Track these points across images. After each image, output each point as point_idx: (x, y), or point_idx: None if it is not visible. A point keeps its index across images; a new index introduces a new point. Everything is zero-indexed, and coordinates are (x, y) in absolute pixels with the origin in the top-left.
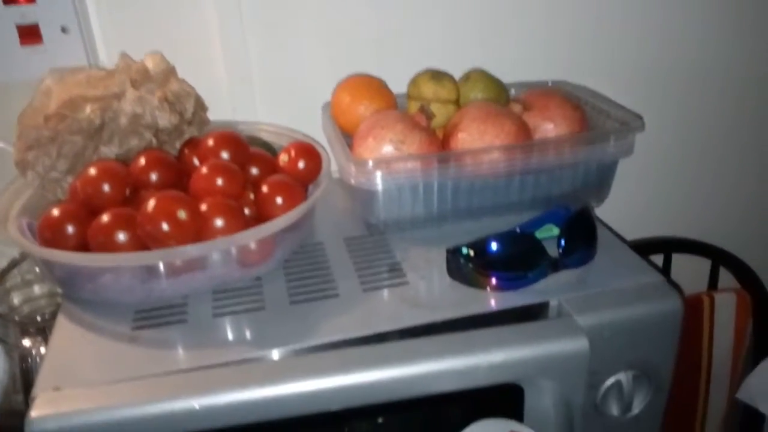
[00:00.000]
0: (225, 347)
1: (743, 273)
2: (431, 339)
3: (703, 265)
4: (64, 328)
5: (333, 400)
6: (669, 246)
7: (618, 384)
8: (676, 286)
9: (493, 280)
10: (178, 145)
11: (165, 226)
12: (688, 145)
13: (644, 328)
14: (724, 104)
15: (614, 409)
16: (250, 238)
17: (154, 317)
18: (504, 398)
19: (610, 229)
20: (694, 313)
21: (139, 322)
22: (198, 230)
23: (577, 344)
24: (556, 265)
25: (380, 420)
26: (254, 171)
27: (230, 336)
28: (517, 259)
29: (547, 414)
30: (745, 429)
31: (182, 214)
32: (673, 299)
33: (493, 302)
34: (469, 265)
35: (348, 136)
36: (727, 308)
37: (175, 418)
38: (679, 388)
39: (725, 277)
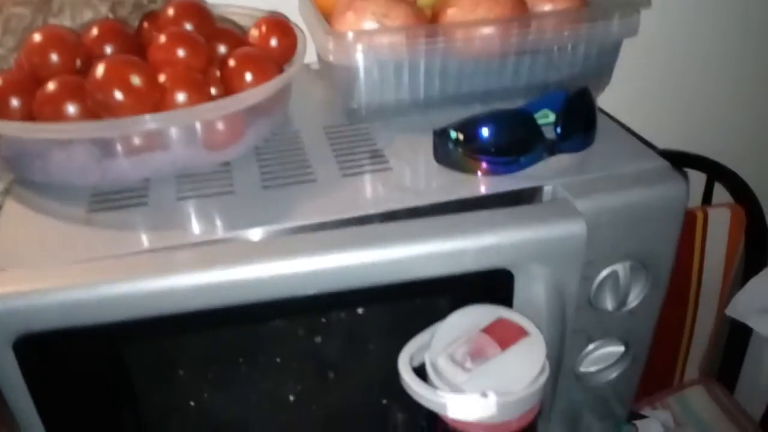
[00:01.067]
0: (190, 229)
1: (738, 188)
2: (416, 221)
3: (699, 179)
4: (11, 211)
5: (309, 284)
6: (664, 158)
7: (614, 275)
8: (681, 172)
9: (484, 165)
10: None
11: (118, 95)
12: (690, 52)
13: (645, 215)
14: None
15: (609, 303)
16: (216, 111)
17: (112, 200)
18: (493, 285)
19: (609, 116)
20: (686, 228)
21: (95, 204)
22: (156, 102)
23: (574, 228)
24: (552, 149)
25: (361, 311)
26: (221, 49)
27: (196, 218)
28: (510, 142)
29: (538, 303)
30: (732, 344)
31: (136, 80)
32: (678, 183)
33: (483, 186)
34: (458, 149)
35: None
36: (720, 224)
37: (135, 301)
38: (668, 302)
39: (720, 194)
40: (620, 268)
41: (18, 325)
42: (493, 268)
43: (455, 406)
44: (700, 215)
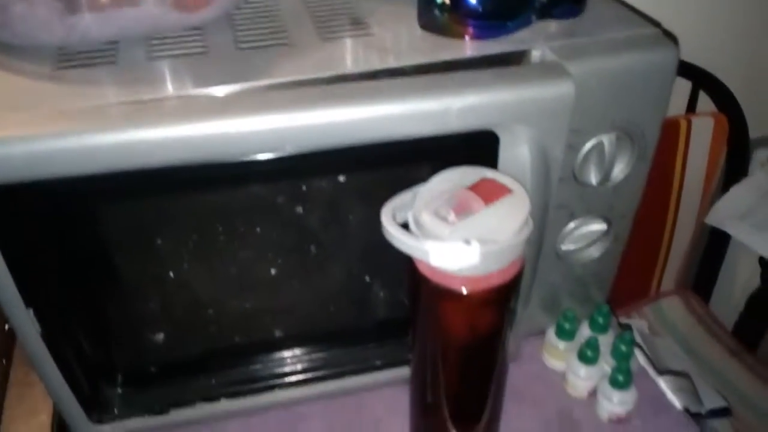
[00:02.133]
0: (161, 85)
1: (723, 97)
2: (398, 80)
3: (683, 87)
4: None
5: (285, 140)
6: None
7: (599, 147)
8: (671, 37)
9: (470, 29)
10: None
11: None
12: None
13: (634, 81)
14: None
15: (593, 177)
16: None
17: (79, 59)
18: (478, 148)
19: None
20: (669, 136)
21: (62, 63)
22: None
23: (562, 88)
24: (541, 13)
25: (342, 178)
26: None
27: (168, 75)
28: (498, 5)
29: (522, 167)
30: (709, 254)
31: None
32: (668, 50)
33: (469, 50)
34: (443, 13)
35: None
36: (703, 132)
37: (104, 153)
38: (647, 211)
39: (704, 103)
40: (606, 139)
41: None
42: (478, 129)
43: (438, 253)
44: (683, 123)
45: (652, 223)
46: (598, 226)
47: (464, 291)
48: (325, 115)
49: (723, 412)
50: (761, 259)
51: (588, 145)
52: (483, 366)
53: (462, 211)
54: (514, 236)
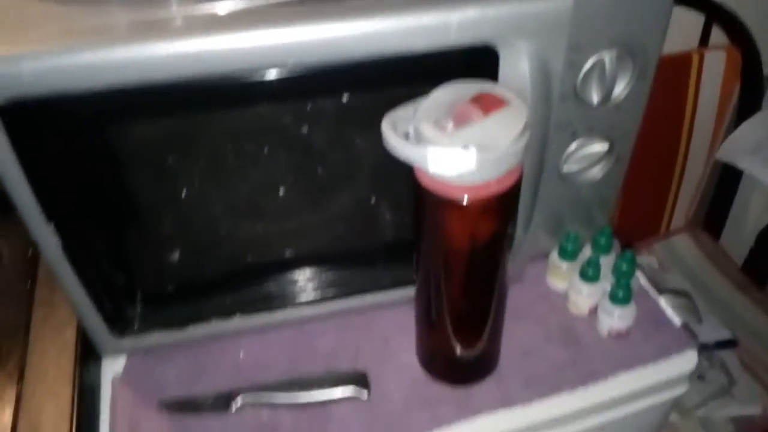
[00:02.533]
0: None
1: (736, 30)
2: None
3: (696, 20)
4: None
5: (289, 53)
6: None
7: (600, 64)
8: None
9: None
10: None
11: None
12: None
13: None
14: None
15: (594, 95)
16: None
17: None
18: (478, 64)
19: None
20: (681, 70)
21: None
22: None
23: (560, 1)
24: None
25: (345, 98)
26: None
27: None
28: None
29: (523, 82)
30: (720, 191)
31: None
32: None
33: None
34: None
35: None
36: (715, 66)
37: (111, 68)
38: (658, 147)
39: (717, 37)
40: (607, 56)
41: (2, 90)
42: (477, 43)
43: (436, 159)
44: (695, 57)
45: (663, 160)
46: (600, 147)
47: (464, 200)
48: (326, 29)
49: (729, 344)
50: None
51: (589, 63)
52: (484, 279)
53: (461, 121)
54: (511, 144)
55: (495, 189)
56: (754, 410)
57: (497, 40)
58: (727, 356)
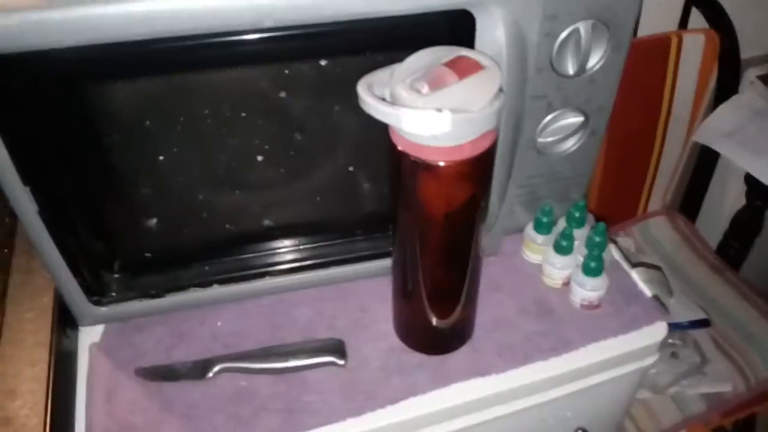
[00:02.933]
0: None
1: (715, 14)
2: None
3: (675, 3)
4: None
5: (265, 13)
6: None
7: (576, 34)
8: None
9: None
10: None
11: None
12: None
13: None
14: None
15: (570, 66)
16: None
17: None
18: (455, 30)
19: None
20: (659, 53)
21: None
22: None
23: None
24: None
25: (324, 62)
26: None
27: None
28: None
29: (499, 49)
30: (697, 174)
31: None
32: None
33: None
34: None
35: None
36: (694, 49)
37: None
38: (637, 129)
39: (696, 19)
40: (582, 26)
41: None
42: (455, 7)
43: (410, 119)
44: (674, 40)
45: (641, 142)
46: (575, 119)
47: (438, 162)
48: None
49: (702, 324)
50: (747, 178)
51: (564, 33)
52: (459, 249)
53: (436, 84)
54: (485, 107)
55: (469, 152)
56: (725, 387)
57: (474, 6)
58: (700, 336)
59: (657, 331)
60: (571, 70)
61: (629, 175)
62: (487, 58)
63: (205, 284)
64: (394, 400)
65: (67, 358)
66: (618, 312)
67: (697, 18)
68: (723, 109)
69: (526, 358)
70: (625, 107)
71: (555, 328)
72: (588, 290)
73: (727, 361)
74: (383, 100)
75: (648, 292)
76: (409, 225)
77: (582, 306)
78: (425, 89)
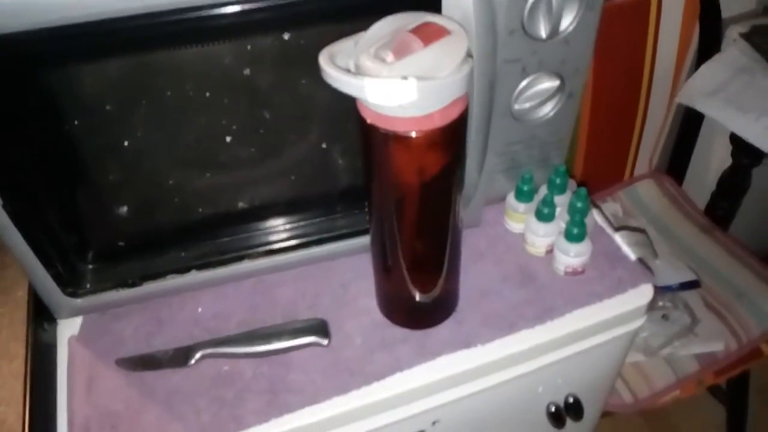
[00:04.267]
0: None
1: None
2: None
3: None
4: None
5: None
6: None
7: None
8: None
9: None
10: None
11: None
12: None
13: None
14: None
15: (542, 29)
16: None
17: None
18: None
19: None
20: (639, 15)
21: None
22: None
23: None
24: None
25: (287, 36)
26: None
27: None
28: None
29: (466, 13)
30: (683, 136)
31: None
32: None
33: None
34: None
35: None
36: (674, 10)
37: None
38: (619, 93)
39: None
40: None
41: None
42: None
43: (374, 89)
44: (653, 1)
45: (625, 106)
46: (551, 83)
47: (408, 133)
48: None
49: (692, 284)
50: (732, 137)
51: None
52: (436, 220)
53: (401, 52)
54: (452, 73)
55: (439, 121)
56: (717, 347)
57: None
58: (691, 297)
59: (643, 293)
60: (543, 32)
61: (614, 139)
62: (454, 23)
63: (182, 270)
64: (379, 377)
65: (46, 350)
66: (603, 276)
67: None
68: (705, 68)
69: (511, 327)
70: (606, 71)
71: (539, 295)
72: (571, 257)
73: (718, 320)
74: (347, 71)
75: (632, 255)
76: (384, 198)
77: (566, 272)
78: (390, 57)
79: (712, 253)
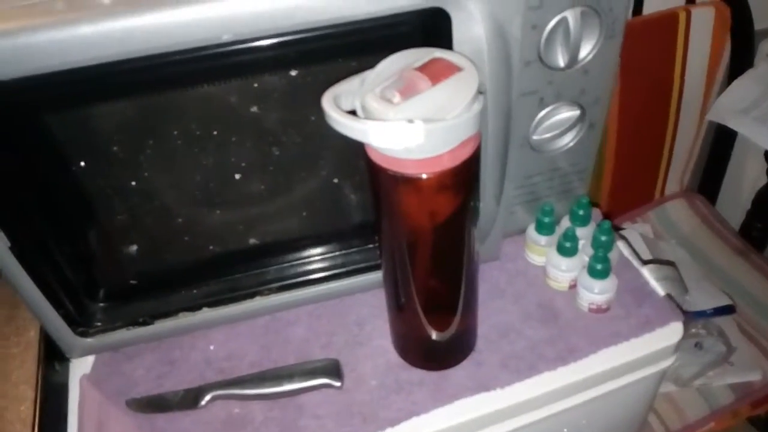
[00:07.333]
0: None
1: None
2: None
3: None
4: None
5: (221, 27)
6: None
7: (564, 24)
8: None
9: None
10: None
11: None
12: None
13: None
14: None
15: (560, 58)
16: None
17: None
18: (430, 32)
19: None
20: (667, 30)
21: None
22: None
23: None
24: None
25: (294, 73)
26: None
27: None
28: None
29: (479, 48)
30: (714, 154)
31: None
32: None
33: None
34: None
35: None
36: (704, 24)
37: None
38: (648, 112)
39: None
40: (570, 15)
41: None
42: (428, 6)
43: (378, 133)
44: (682, 15)
45: (654, 124)
46: (570, 113)
47: (419, 175)
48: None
49: (727, 310)
50: (766, 154)
51: (551, 23)
52: (450, 257)
53: (408, 92)
54: (460, 114)
55: (449, 162)
56: (754, 377)
57: (447, 4)
58: (725, 323)
59: (672, 332)
60: (561, 62)
61: (643, 159)
62: (463, 59)
63: (194, 308)
64: (393, 422)
65: (57, 391)
66: (629, 314)
67: None
68: (737, 84)
69: (532, 369)
70: (633, 88)
71: (562, 334)
72: (596, 293)
73: (755, 347)
74: (352, 112)
75: (661, 291)
76: (394, 237)
77: (590, 310)
78: (397, 98)
79: (747, 277)
